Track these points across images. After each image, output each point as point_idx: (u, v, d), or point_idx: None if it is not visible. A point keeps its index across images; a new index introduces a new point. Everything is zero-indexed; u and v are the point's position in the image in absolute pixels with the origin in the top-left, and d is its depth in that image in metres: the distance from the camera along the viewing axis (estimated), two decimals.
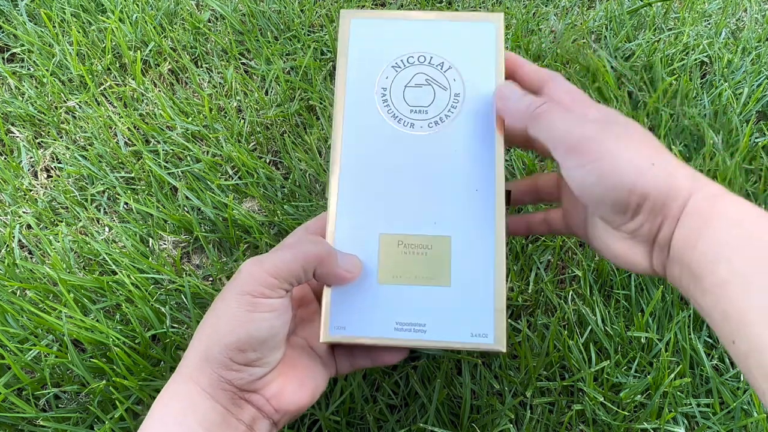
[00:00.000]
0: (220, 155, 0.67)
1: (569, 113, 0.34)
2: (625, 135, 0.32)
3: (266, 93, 0.74)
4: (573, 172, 0.32)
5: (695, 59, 0.75)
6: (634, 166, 0.30)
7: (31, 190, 0.67)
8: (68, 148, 0.69)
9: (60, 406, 0.52)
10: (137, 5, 0.81)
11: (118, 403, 0.49)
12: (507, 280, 0.59)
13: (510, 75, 0.39)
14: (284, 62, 0.76)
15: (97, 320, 0.53)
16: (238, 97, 0.73)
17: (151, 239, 0.61)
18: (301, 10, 0.81)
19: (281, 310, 0.33)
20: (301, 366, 0.36)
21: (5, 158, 0.69)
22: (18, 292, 0.57)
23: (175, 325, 0.55)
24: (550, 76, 0.38)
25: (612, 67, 0.75)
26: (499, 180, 0.37)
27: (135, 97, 0.73)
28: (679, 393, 0.51)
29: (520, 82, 0.39)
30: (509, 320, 0.56)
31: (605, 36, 0.79)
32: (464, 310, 0.35)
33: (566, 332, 0.54)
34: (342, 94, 0.39)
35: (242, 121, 0.71)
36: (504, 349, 0.35)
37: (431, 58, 0.39)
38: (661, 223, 0.31)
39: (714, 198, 0.30)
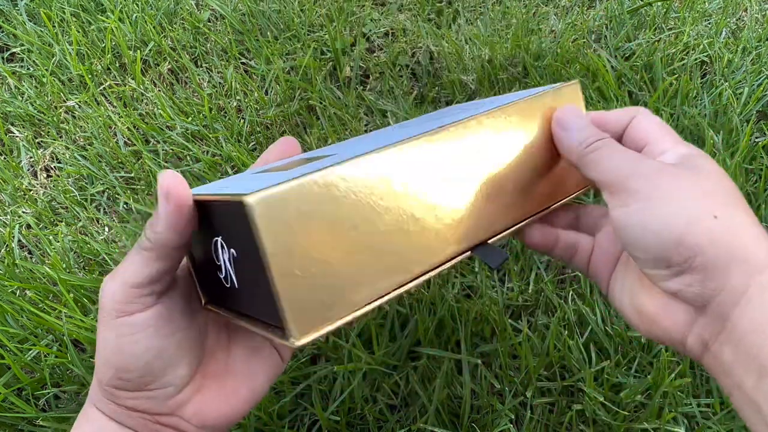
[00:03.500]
0: (220, 155, 0.67)
1: (628, 152, 0.29)
2: (692, 180, 0.27)
3: (266, 93, 0.74)
4: (616, 212, 0.28)
5: (695, 59, 0.75)
6: (687, 214, 0.25)
7: (30, 190, 0.66)
8: (68, 148, 0.69)
9: (60, 406, 0.52)
10: (137, 5, 0.81)
11: None
12: (507, 281, 0.59)
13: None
14: (284, 62, 0.76)
15: (97, 320, 0.53)
16: (237, 97, 0.73)
17: None
18: (301, 10, 0.81)
19: (156, 324, 0.27)
20: (230, 370, 0.31)
21: (5, 158, 0.69)
22: (18, 292, 0.57)
23: None
24: (634, 111, 0.33)
25: (612, 66, 0.74)
26: None
27: (135, 96, 0.73)
28: (679, 393, 0.51)
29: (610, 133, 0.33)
30: (510, 320, 0.55)
31: (605, 36, 0.79)
32: None
33: (566, 332, 0.54)
34: None
35: (242, 120, 0.70)
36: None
37: None
38: (717, 291, 0.25)
39: None
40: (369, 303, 0.26)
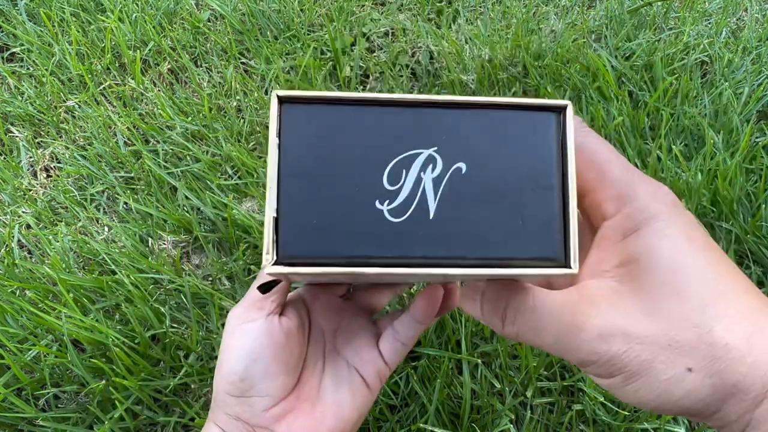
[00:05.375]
0: (220, 155, 0.67)
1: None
2: (633, 308, 0.23)
3: (266, 92, 0.74)
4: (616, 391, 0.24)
5: (696, 59, 0.75)
6: (666, 380, 0.22)
7: (30, 190, 0.66)
8: (68, 148, 0.69)
9: (59, 406, 0.52)
10: (137, 5, 0.80)
11: (117, 403, 0.49)
12: None
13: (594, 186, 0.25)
14: (284, 62, 0.76)
15: (97, 320, 0.53)
16: (237, 97, 0.73)
17: (150, 239, 0.61)
18: (301, 10, 0.81)
19: (257, 332, 0.33)
20: (320, 397, 0.35)
21: (5, 158, 0.69)
22: (17, 292, 0.57)
23: (175, 325, 0.55)
24: (639, 193, 0.24)
25: (612, 66, 0.74)
26: None
27: (134, 96, 0.73)
28: None
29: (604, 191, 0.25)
30: None
31: (605, 35, 0.79)
32: None
33: None
34: None
35: (242, 120, 0.70)
36: None
37: None
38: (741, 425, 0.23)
39: None
40: None
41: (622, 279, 0.23)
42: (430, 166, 0.22)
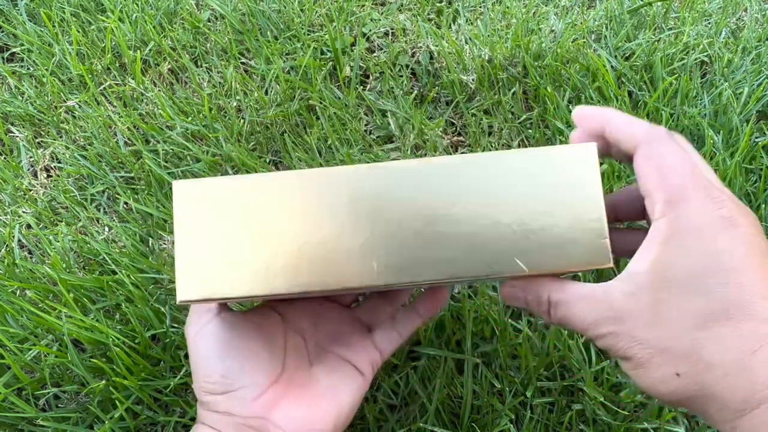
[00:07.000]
0: (220, 155, 0.67)
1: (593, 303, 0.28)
2: (643, 318, 0.26)
3: (266, 93, 0.74)
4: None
5: (695, 59, 0.75)
6: (656, 377, 0.26)
7: (30, 190, 0.66)
8: (68, 148, 0.69)
9: (60, 405, 0.52)
10: (137, 5, 0.81)
11: (118, 402, 0.49)
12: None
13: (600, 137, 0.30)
14: (284, 62, 0.76)
15: (97, 320, 0.53)
16: (237, 97, 0.73)
17: (151, 239, 0.61)
18: (301, 10, 0.81)
19: (218, 331, 0.34)
20: (313, 384, 0.36)
21: (5, 158, 0.69)
22: (18, 292, 0.57)
23: (175, 325, 0.55)
24: (642, 138, 0.28)
25: (612, 66, 0.74)
26: None
27: (135, 96, 0.73)
28: None
29: (611, 145, 0.30)
30: (510, 320, 0.56)
31: (605, 35, 0.79)
32: None
33: (566, 332, 0.54)
34: None
35: (242, 120, 0.70)
36: None
37: None
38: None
39: None
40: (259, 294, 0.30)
41: (643, 283, 0.26)
42: None
